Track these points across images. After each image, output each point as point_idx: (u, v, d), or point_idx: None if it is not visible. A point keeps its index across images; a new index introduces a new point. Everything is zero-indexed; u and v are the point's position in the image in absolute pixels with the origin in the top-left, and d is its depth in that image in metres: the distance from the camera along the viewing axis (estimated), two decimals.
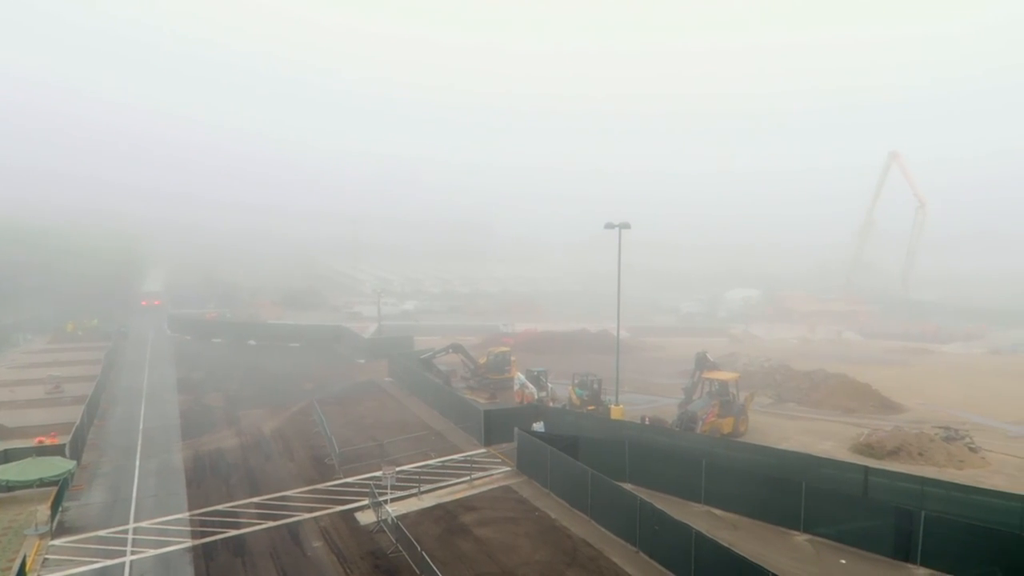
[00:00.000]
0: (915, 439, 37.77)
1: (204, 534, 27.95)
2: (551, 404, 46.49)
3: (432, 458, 37.34)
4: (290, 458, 37.87)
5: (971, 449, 37.89)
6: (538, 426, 39.25)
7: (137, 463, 37.11)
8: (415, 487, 32.36)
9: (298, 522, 29.06)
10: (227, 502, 31.34)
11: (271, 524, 28.84)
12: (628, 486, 30.13)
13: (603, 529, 27.94)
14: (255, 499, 31.74)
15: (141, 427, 44.33)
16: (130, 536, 27.89)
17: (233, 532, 28.12)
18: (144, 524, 29.01)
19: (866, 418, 46.06)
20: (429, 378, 52.63)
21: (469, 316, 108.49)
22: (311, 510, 30.30)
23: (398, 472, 32.17)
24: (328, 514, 29.87)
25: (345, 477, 34.35)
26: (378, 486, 30.74)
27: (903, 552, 25.01)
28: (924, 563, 24.54)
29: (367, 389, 55.43)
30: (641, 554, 25.74)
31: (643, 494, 28.29)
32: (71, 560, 25.86)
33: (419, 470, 34.72)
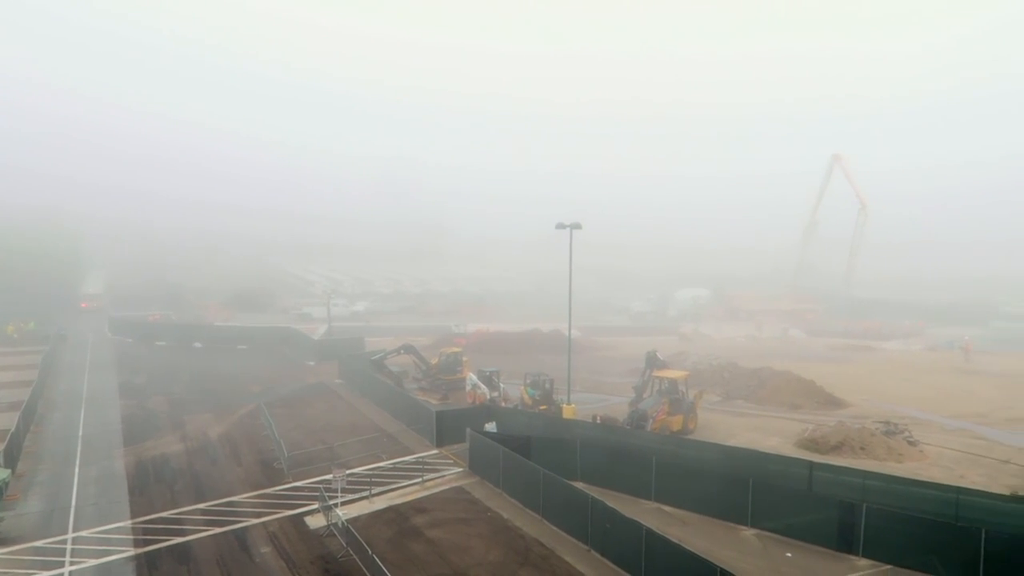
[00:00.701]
0: (857, 434, 38.88)
1: (147, 542, 27.25)
2: (503, 404, 46.56)
3: (383, 460, 37.06)
4: (237, 463, 37.17)
5: (910, 443, 39.17)
6: (490, 426, 39.27)
7: (76, 471, 35.96)
8: (366, 490, 32.08)
9: (246, 528, 28.54)
10: (172, 509, 30.60)
11: (218, 530, 28.26)
12: (580, 485, 30.36)
13: (555, 528, 28.09)
14: (201, 505, 31.06)
15: (80, 433, 42.99)
16: (69, 546, 27.02)
17: (178, 539, 27.48)
18: (84, 533, 28.14)
19: (811, 414, 47.24)
20: (380, 379, 52.23)
21: (421, 316, 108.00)
22: (259, 515, 29.78)
23: (349, 475, 31.83)
24: (277, 519, 29.40)
25: (294, 481, 33.86)
26: (328, 489, 30.37)
27: (846, 544, 25.73)
28: (866, 554, 25.27)
29: (317, 391, 54.74)
30: (593, 552, 25.95)
31: (595, 492, 28.54)
32: (6, 573, 24.94)
33: (370, 472, 34.41)
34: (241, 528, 28.47)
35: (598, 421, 41.20)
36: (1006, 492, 29.75)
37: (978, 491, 27.91)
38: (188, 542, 27.26)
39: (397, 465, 36.27)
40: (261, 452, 38.63)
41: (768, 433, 42.01)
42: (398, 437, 41.46)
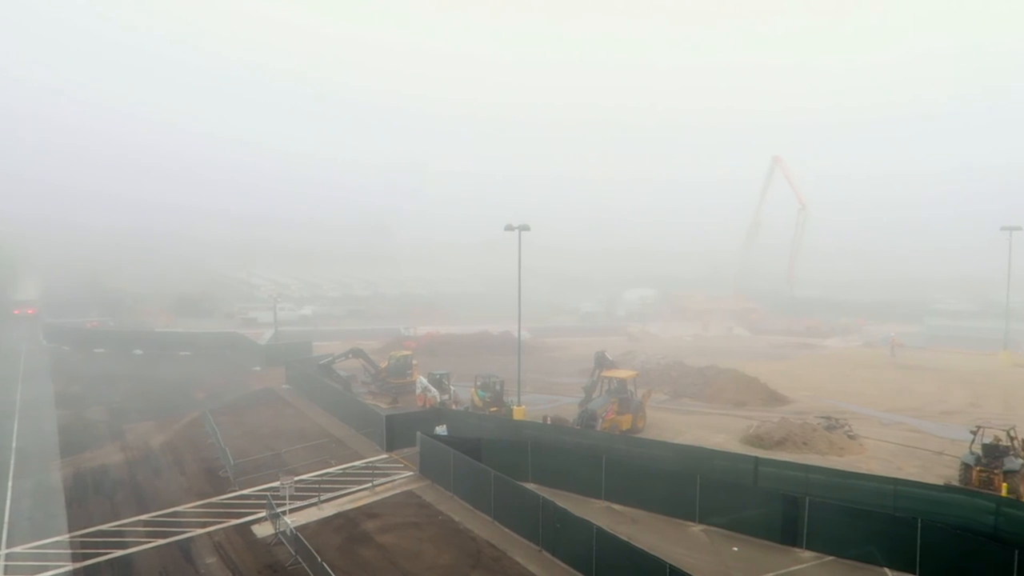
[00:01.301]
0: (800, 429, 39.90)
1: (86, 556, 26.35)
2: (454, 407, 46.41)
3: (333, 466, 36.60)
4: (181, 472, 36.25)
5: (850, 437, 40.37)
6: (441, 429, 39.12)
7: (9, 484, 34.56)
8: (315, 496, 31.62)
9: (190, 538, 27.84)
10: (112, 521, 29.66)
11: (161, 542, 27.51)
12: (531, 486, 30.47)
13: (506, 530, 28.12)
14: (143, 516, 30.18)
15: (14, 445, 41.35)
16: (2, 563, 25.97)
17: (119, 552, 26.65)
18: (18, 549, 27.07)
19: (755, 411, 48.28)
20: (329, 384, 51.59)
21: (370, 320, 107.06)
22: (204, 525, 29.09)
23: (297, 482, 31.31)
24: (223, 528, 28.76)
25: (241, 489, 33.17)
26: (276, 497, 29.83)
27: (790, 537, 26.36)
28: (809, 546, 25.94)
29: (263, 397, 53.77)
30: (544, 552, 26.05)
31: (546, 493, 28.67)
32: None
33: (319, 479, 33.96)
34: (185, 539, 27.77)
35: (548, 422, 41.37)
36: (940, 482, 30.86)
37: (914, 482, 28.92)
38: (129, 555, 26.47)
39: (347, 470, 35.85)
40: (206, 460, 37.74)
41: (715, 430, 42.79)
42: (347, 442, 40.98)
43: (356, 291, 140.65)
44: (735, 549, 26.38)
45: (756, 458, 31.49)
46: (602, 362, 46.83)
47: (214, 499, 32.03)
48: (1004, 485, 29.75)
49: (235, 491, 32.98)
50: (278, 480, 30.65)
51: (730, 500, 28.01)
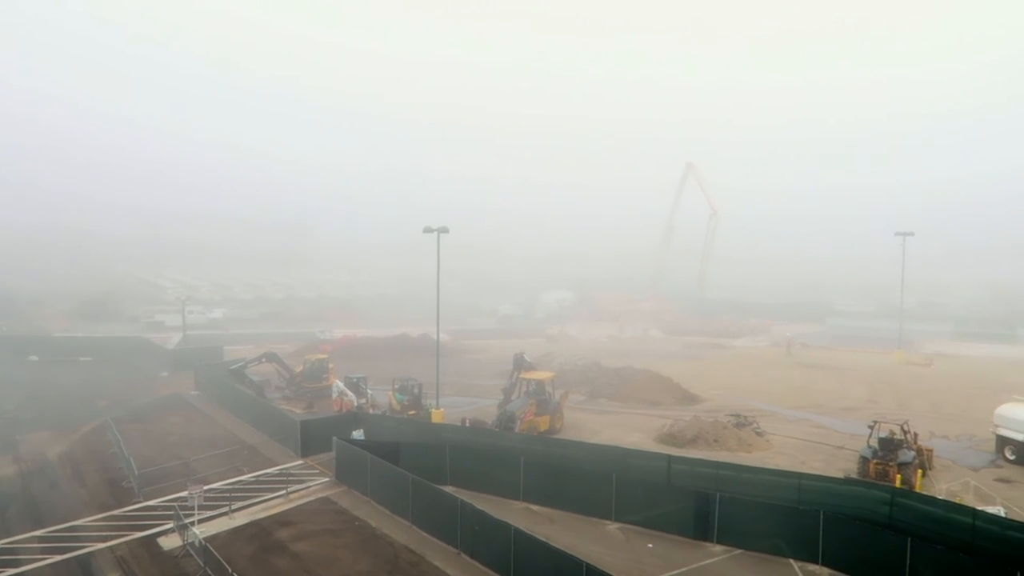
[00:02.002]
0: (711, 427, 41.14)
1: None
2: (371, 411, 45.84)
3: (244, 473, 35.50)
4: (80, 483, 34.44)
5: (758, 434, 41.87)
6: (357, 434, 38.50)
7: None
8: (226, 505, 30.58)
9: (90, 553, 26.46)
10: (3, 538, 27.91)
11: (58, 558, 26.05)
12: (450, 489, 30.35)
13: (425, 534, 27.90)
14: (38, 532, 28.51)
15: None
16: None
17: (11, 571, 25.06)
18: None
19: (669, 410, 49.48)
20: (241, 390, 50.07)
21: (284, 323, 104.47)
22: (106, 539, 27.70)
23: (207, 491, 30.23)
24: (126, 542, 27.46)
25: (146, 500, 31.77)
26: (184, 507, 28.71)
27: (702, 531, 27.11)
28: (720, 540, 26.73)
29: (171, 404, 51.69)
30: (463, 555, 25.97)
31: (464, 495, 28.58)
32: None
33: (230, 487, 32.84)
34: (85, 554, 26.38)
35: (467, 424, 41.31)
36: (841, 475, 32.41)
37: (817, 476, 30.20)
38: (22, 573, 24.96)
39: (259, 478, 34.84)
40: (108, 471, 35.98)
41: (630, 429, 43.64)
42: (260, 449, 39.84)
43: (270, 293, 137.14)
44: (650, 546, 26.94)
45: (669, 456, 32.25)
46: (520, 364, 47.10)
47: (116, 511, 30.56)
48: (898, 476, 31.45)
49: (140, 502, 31.57)
50: (186, 489, 29.55)
51: (645, 498, 28.59)
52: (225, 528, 28.70)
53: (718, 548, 26.52)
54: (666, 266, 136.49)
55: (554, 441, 37.58)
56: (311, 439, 38.27)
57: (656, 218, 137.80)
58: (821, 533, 24.80)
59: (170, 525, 28.56)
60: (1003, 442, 37.50)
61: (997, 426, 38.04)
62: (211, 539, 26.71)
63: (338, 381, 49.96)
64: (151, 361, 67.71)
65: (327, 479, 34.53)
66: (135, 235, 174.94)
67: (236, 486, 33.27)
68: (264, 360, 54.35)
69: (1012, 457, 36.70)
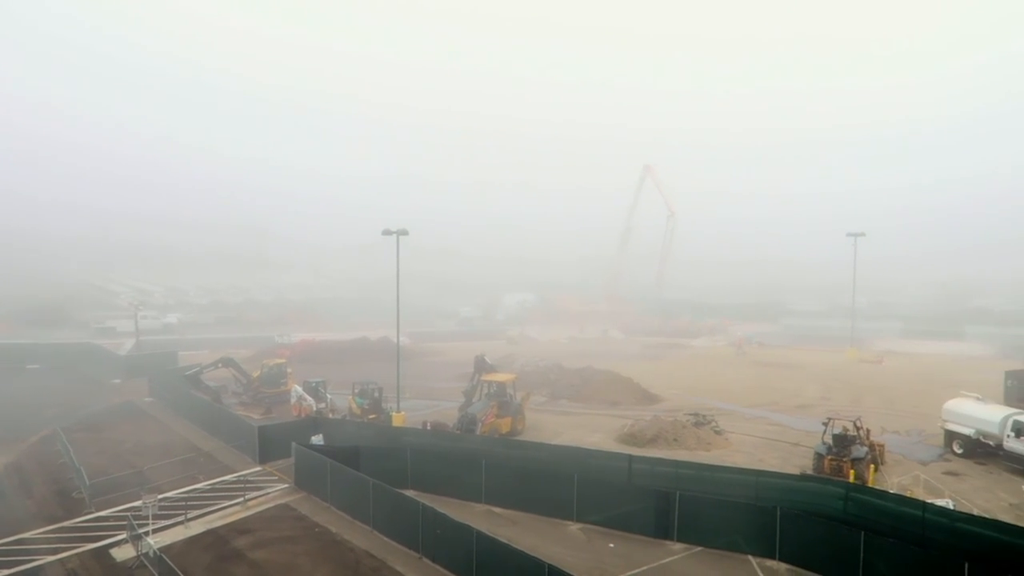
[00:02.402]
0: (670, 426, 41.59)
1: None
2: (331, 415, 45.35)
3: (200, 481, 34.80)
4: (28, 495, 33.39)
5: (716, 432, 42.46)
6: (317, 439, 38.06)
7: None
8: (181, 514, 29.94)
9: (39, 567, 25.66)
10: None
11: (5, 573, 25.19)
12: (411, 493, 30.17)
13: (386, 538, 27.68)
14: None
15: None
16: None
17: None
18: None
19: (629, 410, 49.89)
20: (196, 396, 49.12)
21: (241, 327, 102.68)
22: (56, 551, 26.90)
23: (161, 500, 29.61)
24: (77, 554, 26.70)
25: (97, 511, 30.94)
26: (137, 517, 28.05)
27: (663, 530, 27.38)
28: (680, 538, 27.03)
29: (124, 412, 50.44)
30: (424, 559, 25.83)
31: (426, 499, 28.43)
32: None
33: (186, 495, 32.18)
34: (33, 568, 25.58)
35: (428, 427, 41.14)
36: (796, 472, 33.01)
37: (774, 472, 30.76)
38: None
39: (216, 486, 34.18)
40: (58, 482, 34.95)
41: (591, 430, 43.87)
42: (217, 456, 39.11)
43: (226, 297, 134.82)
44: (611, 545, 27.11)
45: (630, 456, 32.50)
46: (481, 366, 47.03)
47: (67, 523, 29.70)
48: (851, 472, 32.16)
49: (91, 513, 30.73)
50: (140, 499, 28.89)
51: (606, 498, 28.77)
52: (181, 537, 28.11)
53: (678, 546, 26.80)
54: (625, 268, 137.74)
55: (516, 443, 37.60)
56: (269, 445, 37.68)
57: (617, 221, 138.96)
58: (778, 529, 25.26)
59: (123, 536, 27.85)
60: (951, 436, 38.60)
61: (945, 421, 39.15)
62: (166, 549, 26.12)
63: (297, 386, 49.33)
64: (102, 368, 66.02)
65: (286, 485, 34.05)
66: (83, 237, 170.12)
67: (192, 494, 32.61)
68: (220, 365, 53.38)
69: (960, 451, 37.80)
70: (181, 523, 29.35)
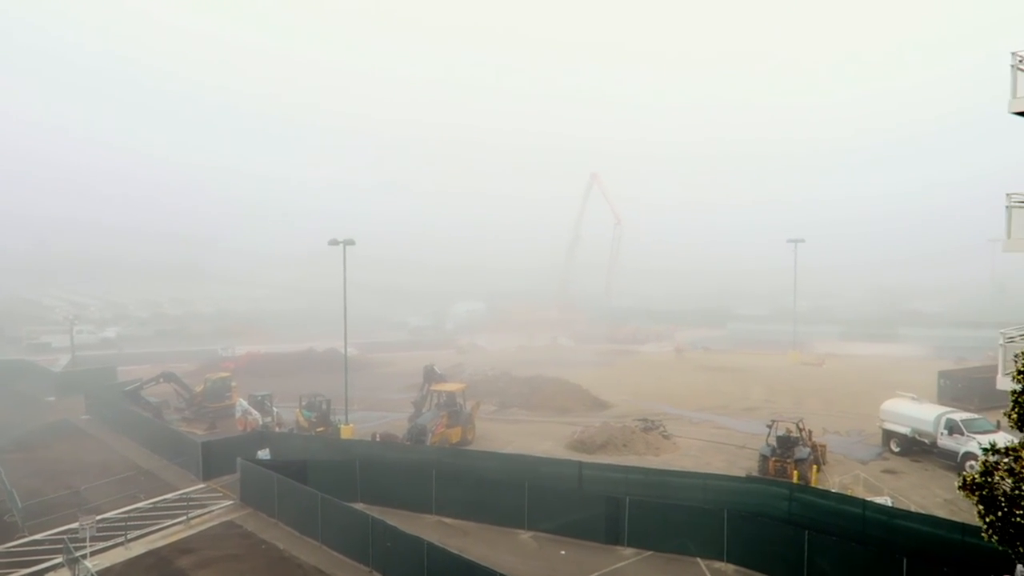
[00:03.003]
0: (620, 432, 42.00)
1: None
2: (277, 429, 44.57)
3: (141, 500, 33.81)
4: None
5: (665, 437, 43.02)
6: (263, 453, 37.37)
7: None
8: (121, 535, 29.03)
9: None
10: None
11: None
12: (360, 506, 29.87)
13: (336, 553, 27.30)
14: None
15: None
16: None
17: None
18: None
19: (579, 417, 50.18)
20: (136, 412, 47.77)
21: (183, 341, 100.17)
22: None
23: (99, 521, 28.63)
24: None
25: (31, 535, 29.80)
26: (74, 539, 27.07)
27: (613, 536, 27.62)
28: (631, 543, 27.31)
29: (59, 430, 48.69)
30: (375, 573, 25.57)
31: (376, 512, 28.17)
32: None
33: (126, 516, 31.23)
34: None
35: (377, 439, 40.78)
36: (743, 474, 33.70)
37: (720, 475, 31.32)
38: None
39: (158, 504, 33.26)
40: None
41: (541, 438, 44.02)
42: (159, 474, 38.05)
43: (167, 310, 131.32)
44: (563, 552, 27.23)
45: (580, 463, 32.72)
46: (431, 376, 46.82)
47: None
48: (795, 473, 32.94)
49: (24, 537, 29.58)
50: (77, 521, 27.90)
51: (557, 505, 28.90)
52: (121, 559, 27.26)
53: (629, 551, 27.06)
54: (573, 275, 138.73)
55: (466, 453, 37.52)
56: (214, 461, 36.86)
57: (565, 229, 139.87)
58: (726, 531, 25.72)
59: (59, 559, 26.89)
60: (888, 435, 39.87)
61: (883, 421, 40.41)
62: (105, 572, 25.33)
63: (241, 400, 48.37)
64: (36, 385, 63.63)
65: (231, 502, 33.32)
66: (14, 247, 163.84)
67: (132, 514, 31.67)
68: (161, 380, 51.99)
69: (897, 449, 39.06)
70: (121, 544, 28.47)
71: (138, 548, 28.30)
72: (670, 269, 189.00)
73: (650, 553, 26.80)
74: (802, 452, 34.29)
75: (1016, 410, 13.02)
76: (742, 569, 25.24)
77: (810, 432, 36.90)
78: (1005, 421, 14.39)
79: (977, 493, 12.80)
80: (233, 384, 54.01)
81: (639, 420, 46.41)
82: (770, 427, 36.12)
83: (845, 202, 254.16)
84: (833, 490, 30.66)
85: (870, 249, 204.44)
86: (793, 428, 35.95)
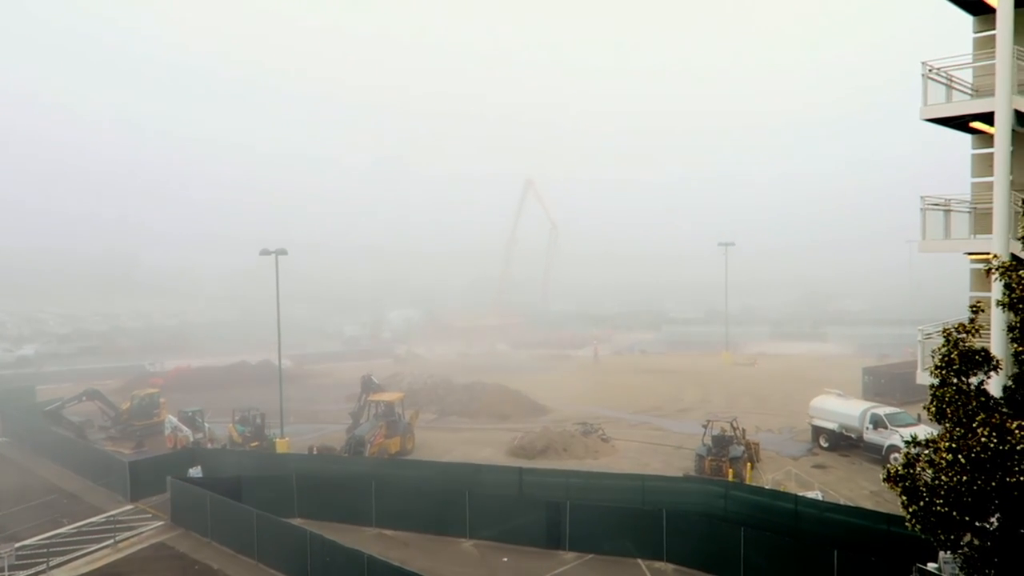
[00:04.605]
0: (559, 437, 42.26)
1: None
2: (209, 445, 43.38)
3: (65, 525, 32.35)
4: None
5: (603, 440, 43.50)
6: (195, 471, 36.22)
7: None
8: (43, 562, 27.71)
9: None
10: None
11: None
12: (298, 521, 29.30)
13: (273, 571, 26.67)
14: None
15: None
16: None
17: None
18: None
19: (519, 423, 50.28)
20: (58, 433, 45.76)
21: (108, 357, 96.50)
22: None
23: (18, 548, 27.32)
24: None
25: None
26: None
27: (555, 540, 27.74)
28: (572, 548, 27.48)
29: None
30: None
31: (315, 527, 27.64)
32: None
33: (48, 542, 29.81)
34: None
35: (314, 452, 40.11)
36: (680, 474, 34.32)
37: (658, 476, 31.87)
38: None
39: (82, 528, 31.88)
40: None
41: (481, 445, 43.96)
42: (83, 496, 36.50)
43: (90, 325, 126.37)
44: (505, 559, 27.21)
45: (520, 469, 32.80)
46: (368, 386, 46.30)
47: None
48: (730, 471, 33.73)
49: None
50: None
51: (498, 512, 28.87)
52: None
53: (570, 555, 27.22)
54: (511, 280, 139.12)
55: (405, 463, 37.20)
56: (142, 481, 35.57)
57: (502, 236, 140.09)
58: (664, 531, 26.13)
59: None
60: (817, 431, 41.24)
61: (812, 417, 41.79)
62: None
63: (171, 416, 46.84)
64: None
65: (162, 523, 32.20)
66: None
67: (55, 540, 30.27)
68: (85, 398, 50.00)
69: (825, 445, 40.42)
70: (43, 572, 27.18)
71: (61, 575, 27.08)
72: (605, 271, 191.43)
73: (591, 556, 27.02)
74: (736, 450, 35.15)
75: (935, 403, 13.60)
76: (681, 568, 25.68)
77: (744, 431, 37.84)
78: (925, 414, 15.04)
79: (900, 484, 13.30)
80: (161, 400, 52.29)
81: (578, 424, 46.81)
82: (705, 427, 36.91)
83: (772, 182, 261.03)
84: (766, 486, 31.53)
85: (795, 234, 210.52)
86: (727, 427, 36.81)
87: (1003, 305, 13.61)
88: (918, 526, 13.12)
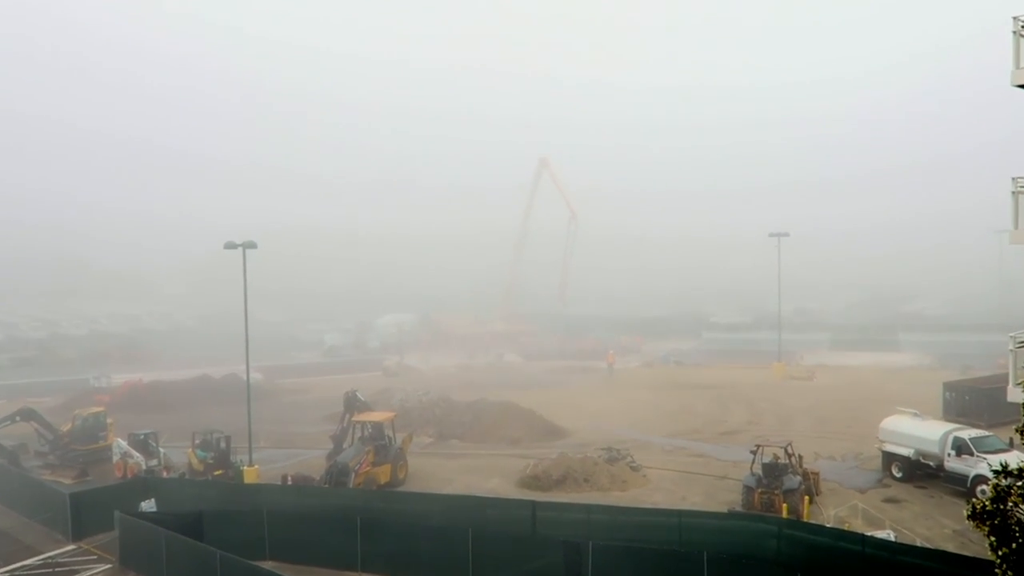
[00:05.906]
0: (580, 465, 42.21)
1: None
2: (165, 474, 43.62)
3: None
4: None
5: (632, 468, 43.41)
6: (148, 504, 36.45)
7: None
8: None
9: None
10: None
11: None
12: (270, 564, 29.37)
13: None
14: None
15: None
16: None
17: None
18: None
19: (532, 447, 50.31)
20: None
21: (46, 370, 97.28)
22: None
23: None
24: None
25: None
26: None
27: None
28: None
29: None
30: None
31: (289, 570, 27.76)
32: None
33: None
34: None
35: (289, 482, 40.26)
36: (723, 509, 34.18)
37: (698, 512, 31.80)
38: None
39: (15, 573, 32.12)
40: None
41: (488, 474, 43.98)
42: (16, 534, 36.80)
43: (25, 332, 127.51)
44: None
45: (534, 502, 32.76)
46: (353, 404, 46.40)
47: None
48: (784, 506, 33.57)
49: None
50: None
51: (508, 553, 28.83)
52: None
53: None
54: (521, 280, 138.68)
55: (397, 495, 37.29)
56: (86, 516, 35.80)
57: (511, 227, 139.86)
58: None
59: None
60: (889, 458, 40.94)
61: (882, 441, 41.51)
62: None
63: (120, 440, 47.14)
64: None
65: (108, 566, 32.43)
66: None
67: None
68: (18, 419, 50.38)
69: (899, 474, 40.12)
70: None
71: None
72: (634, 268, 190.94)
73: None
74: (791, 481, 34.94)
75: None
76: None
77: (800, 458, 37.63)
78: (1018, 438, 14.85)
79: (988, 522, 13.16)
80: (109, 421, 52.67)
81: (602, 449, 46.72)
82: (754, 453, 36.72)
83: (826, 185, 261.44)
84: (828, 524, 31.35)
85: (860, 238, 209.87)
86: (781, 454, 36.61)
87: None
88: (1010, 573, 12.98)
